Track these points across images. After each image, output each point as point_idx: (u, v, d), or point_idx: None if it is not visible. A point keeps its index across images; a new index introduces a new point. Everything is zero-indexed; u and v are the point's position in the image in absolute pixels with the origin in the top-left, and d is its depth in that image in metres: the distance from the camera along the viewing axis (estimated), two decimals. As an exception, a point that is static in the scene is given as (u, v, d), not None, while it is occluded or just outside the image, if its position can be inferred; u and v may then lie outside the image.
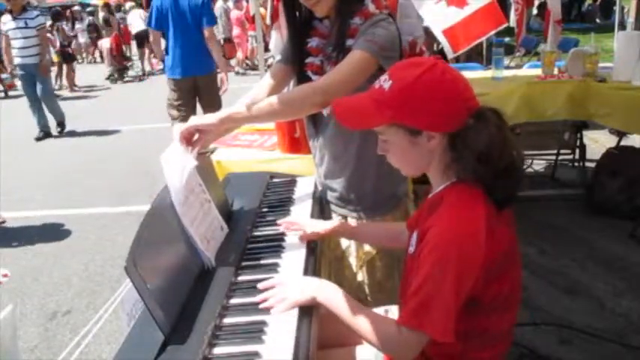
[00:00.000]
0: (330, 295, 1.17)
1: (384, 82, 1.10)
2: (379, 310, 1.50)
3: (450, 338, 1.01)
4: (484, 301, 1.08)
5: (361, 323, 1.11)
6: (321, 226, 1.49)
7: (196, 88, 4.54)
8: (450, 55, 3.65)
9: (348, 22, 1.47)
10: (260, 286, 1.21)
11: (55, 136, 7.40)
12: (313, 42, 1.56)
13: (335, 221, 1.60)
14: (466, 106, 1.08)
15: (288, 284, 1.19)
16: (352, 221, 1.66)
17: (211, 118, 1.27)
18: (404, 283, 1.21)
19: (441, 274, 1.01)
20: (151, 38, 4.91)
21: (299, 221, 1.49)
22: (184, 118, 4.16)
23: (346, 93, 1.42)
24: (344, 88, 1.38)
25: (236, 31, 11.43)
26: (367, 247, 1.65)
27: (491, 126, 1.07)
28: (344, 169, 1.64)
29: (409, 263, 1.17)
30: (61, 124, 7.58)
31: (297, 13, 1.59)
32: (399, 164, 1.19)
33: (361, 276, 1.67)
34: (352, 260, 1.68)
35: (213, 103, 4.49)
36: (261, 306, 1.15)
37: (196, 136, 1.30)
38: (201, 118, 1.28)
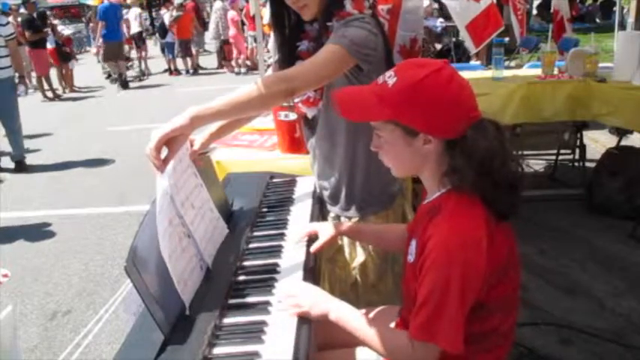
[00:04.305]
0: (344, 314, 1.16)
1: (389, 77, 1.09)
2: (370, 311, 1.50)
3: (459, 349, 1.01)
4: (488, 303, 1.08)
5: (374, 338, 1.11)
6: (330, 231, 1.47)
7: (119, 47, 10.92)
8: (473, 51, 3.65)
9: (326, 24, 1.47)
10: (280, 290, 1.22)
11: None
12: (303, 45, 1.57)
13: (339, 223, 1.58)
14: (468, 116, 1.06)
15: (305, 294, 1.18)
16: (346, 221, 1.64)
17: (180, 119, 1.22)
18: (405, 290, 1.20)
19: (446, 286, 1.00)
20: (99, 25, 10.59)
21: (314, 229, 1.48)
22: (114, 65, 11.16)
23: (314, 84, 1.42)
24: (309, 77, 1.36)
25: (231, 31, 11.34)
26: (360, 248, 1.64)
27: (489, 137, 1.05)
28: (333, 168, 1.65)
29: (409, 271, 1.15)
30: (19, 163, 5.87)
31: (287, 18, 1.59)
32: (390, 163, 1.18)
33: (354, 277, 1.67)
34: (345, 261, 1.68)
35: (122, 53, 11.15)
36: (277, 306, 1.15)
37: (165, 151, 1.21)
38: (168, 124, 1.22)
